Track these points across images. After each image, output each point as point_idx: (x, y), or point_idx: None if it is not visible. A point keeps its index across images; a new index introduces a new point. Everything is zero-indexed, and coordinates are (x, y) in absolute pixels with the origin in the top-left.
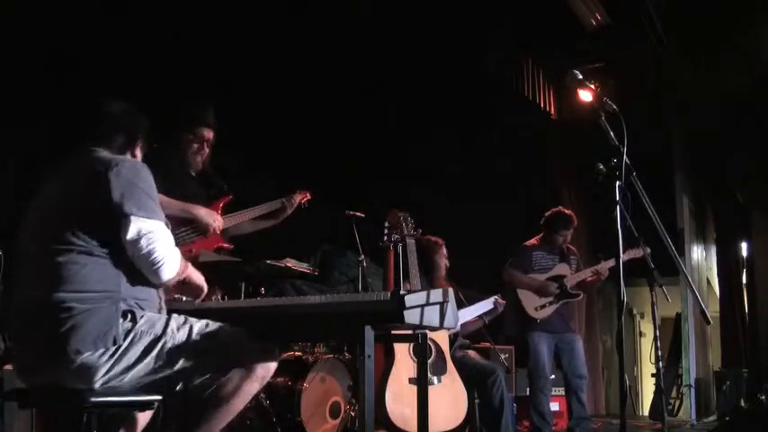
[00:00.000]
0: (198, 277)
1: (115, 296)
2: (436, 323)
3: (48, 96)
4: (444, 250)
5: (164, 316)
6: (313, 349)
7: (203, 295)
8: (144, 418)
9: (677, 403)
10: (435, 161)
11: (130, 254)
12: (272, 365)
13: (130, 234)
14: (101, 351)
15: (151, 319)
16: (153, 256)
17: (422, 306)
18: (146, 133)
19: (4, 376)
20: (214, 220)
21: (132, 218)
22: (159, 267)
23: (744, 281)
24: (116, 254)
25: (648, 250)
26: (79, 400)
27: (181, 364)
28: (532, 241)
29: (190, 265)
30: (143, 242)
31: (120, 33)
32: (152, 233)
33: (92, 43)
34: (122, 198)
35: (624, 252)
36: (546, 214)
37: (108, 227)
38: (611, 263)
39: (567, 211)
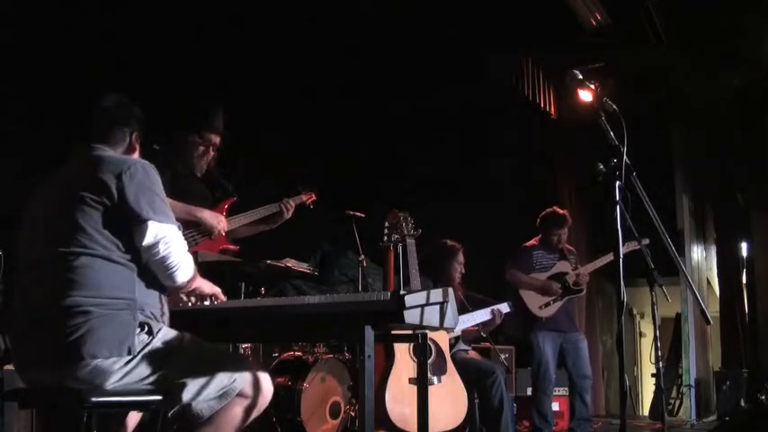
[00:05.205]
0: (209, 287)
1: (132, 304)
2: (436, 323)
3: (50, 97)
4: (461, 256)
5: (177, 332)
6: (313, 349)
7: (221, 298)
8: (134, 419)
9: (677, 403)
10: (435, 161)
11: (146, 258)
12: (270, 390)
13: (147, 239)
14: (114, 358)
15: (167, 335)
16: (169, 261)
17: (422, 306)
18: (142, 123)
19: (4, 376)
20: (219, 222)
21: (150, 223)
22: (174, 272)
23: (744, 281)
24: (132, 260)
25: (647, 241)
26: (79, 400)
27: (189, 377)
28: (532, 242)
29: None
30: (160, 246)
31: (126, 32)
32: (168, 237)
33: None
34: (138, 203)
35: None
36: (541, 214)
37: (123, 231)
38: (610, 257)
39: (560, 211)
